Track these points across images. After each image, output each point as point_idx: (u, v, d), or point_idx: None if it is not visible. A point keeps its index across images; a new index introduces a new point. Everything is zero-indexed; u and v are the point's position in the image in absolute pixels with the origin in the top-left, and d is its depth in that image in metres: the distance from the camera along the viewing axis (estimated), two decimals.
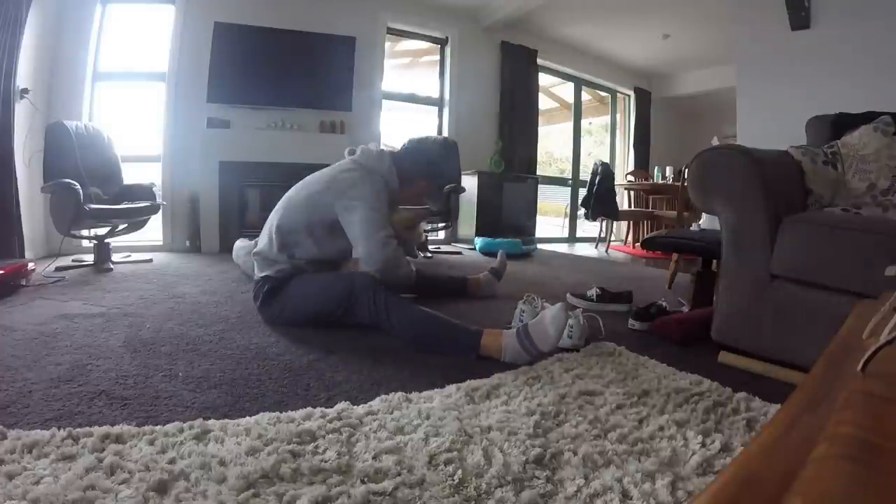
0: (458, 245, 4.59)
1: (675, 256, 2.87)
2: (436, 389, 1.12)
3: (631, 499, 0.74)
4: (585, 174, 5.39)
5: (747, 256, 1.42)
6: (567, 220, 6.18)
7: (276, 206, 1.76)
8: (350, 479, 0.76)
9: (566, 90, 6.22)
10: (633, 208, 5.87)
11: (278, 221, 1.68)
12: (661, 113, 6.57)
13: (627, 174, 6.17)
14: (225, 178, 3.71)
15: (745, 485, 0.27)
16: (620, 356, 1.41)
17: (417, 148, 1.88)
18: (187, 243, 3.68)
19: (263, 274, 1.68)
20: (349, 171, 1.71)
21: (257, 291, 1.69)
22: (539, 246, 4.66)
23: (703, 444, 0.90)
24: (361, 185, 1.66)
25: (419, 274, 2.16)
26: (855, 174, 1.62)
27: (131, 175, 3.26)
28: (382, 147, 1.83)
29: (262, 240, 1.73)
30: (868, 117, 1.71)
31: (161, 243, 3.71)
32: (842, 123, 1.81)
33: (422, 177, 1.84)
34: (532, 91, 5.32)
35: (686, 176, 1.66)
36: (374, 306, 1.48)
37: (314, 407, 1.00)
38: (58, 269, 2.58)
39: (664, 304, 1.84)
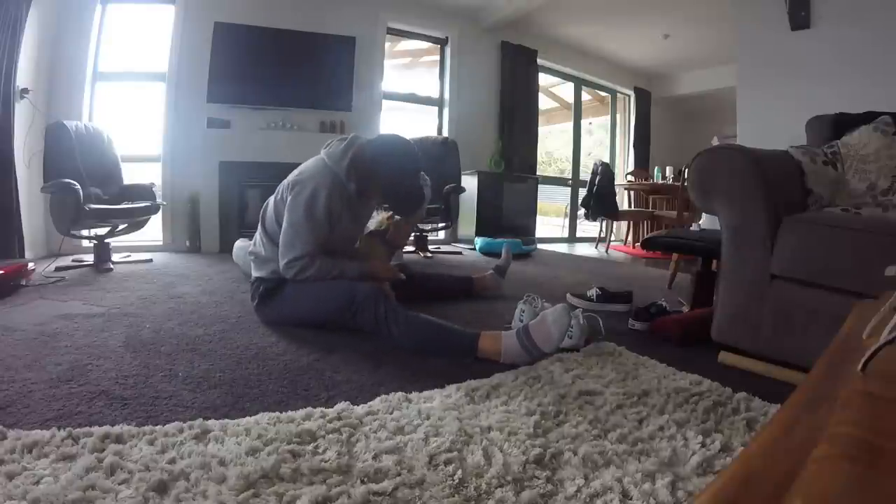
0: (459, 245, 4.58)
1: (675, 256, 2.87)
2: (436, 389, 1.13)
3: (631, 499, 0.74)
4: (585, 174, 5.38)
5: (747, 256, 1.42)
6: (567, 220, 6.18)
7: (263, 206, 1.75)
8: (350, 479, 0.76)
9: (566, 90, 6.22)
10: (633, 208, 5.87)
11: (264, 223, 1.69)
12: (661, 113, 6.56)
13: (627, 174, 6.17)
14: (225, 178, 3.72)
15: (745, 485, 0.27)
16: (620, 356, 1.41)
17: (377, 155, 1.66)
18: (187, 243, 3.68)
19: (258, 275, 1.69)
20: (307, 166, 1.68)
21: (253, 292, 1.70)
22: (539, 246, 4.65)
23: (703, 444, 0.90)
24: (304, 185, 1.59)
25: (425, 276, 2.16)
26: (855, 174, 1.62)
27: (131, 175, 3.26)
28: (356, 139, 1.69)
29: (255, 238, 1.74)
30: (868, 117, 1.71)
31: (161, 243, 3.71)
32: (842, 123, 1.81)
33: (376, 190, 1.71)
34: (532, 91, 5.32)
35: (686, 176, 1.66)
36: (376, 318, 1.48)
37: (314, 407, 1.00)
38: (58, 269, 2.58)
39: (664, 304, 1.84)
